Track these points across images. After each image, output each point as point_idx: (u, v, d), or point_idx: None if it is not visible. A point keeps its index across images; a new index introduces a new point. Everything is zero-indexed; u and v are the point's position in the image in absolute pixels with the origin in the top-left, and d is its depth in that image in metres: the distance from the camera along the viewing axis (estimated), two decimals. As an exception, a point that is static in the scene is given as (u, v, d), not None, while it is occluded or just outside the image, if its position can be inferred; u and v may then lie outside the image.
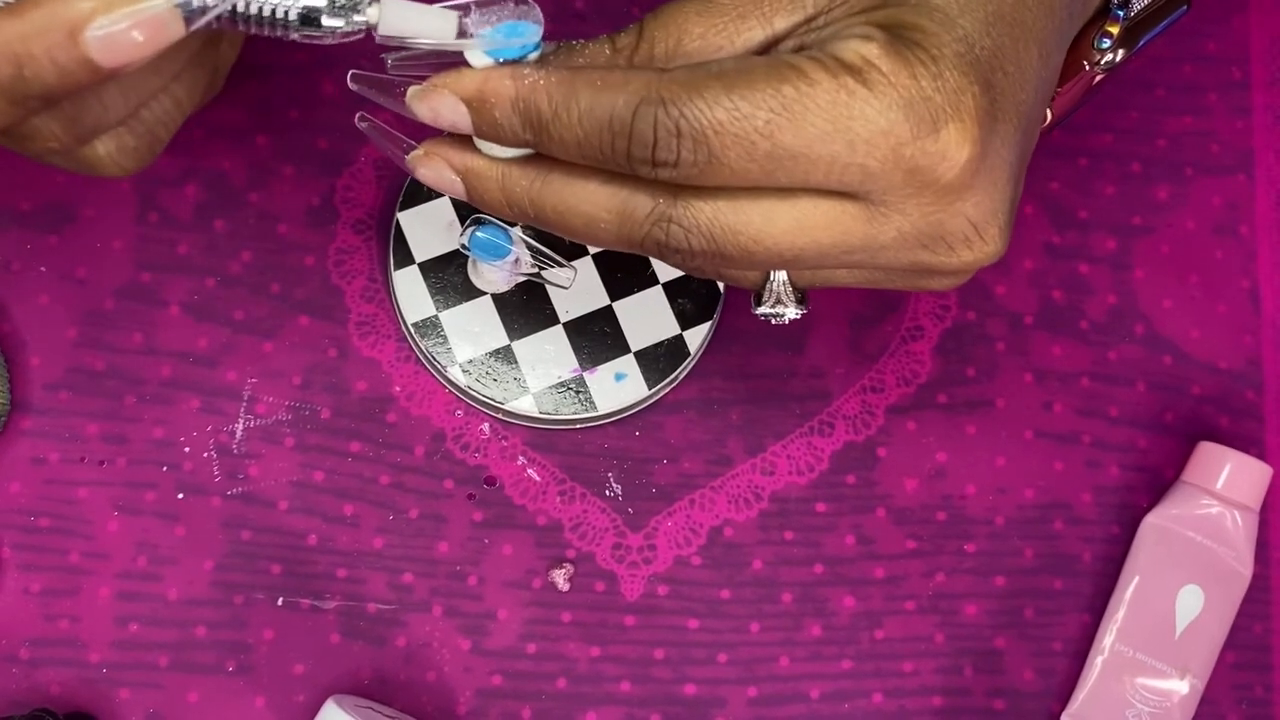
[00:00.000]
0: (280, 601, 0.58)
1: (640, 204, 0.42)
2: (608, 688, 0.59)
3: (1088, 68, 0.50)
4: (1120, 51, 0.50)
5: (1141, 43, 0.50)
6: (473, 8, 0.40)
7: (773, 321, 0.47)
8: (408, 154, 0.44)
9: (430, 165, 0.44)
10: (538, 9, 0.41)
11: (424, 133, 0.44)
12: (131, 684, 0.57)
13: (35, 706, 0.56)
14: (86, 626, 0.57)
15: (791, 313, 0.46)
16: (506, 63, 0.41)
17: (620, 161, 0.40)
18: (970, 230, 0.42)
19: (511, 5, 0.40)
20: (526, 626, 0.59)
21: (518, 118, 0.41)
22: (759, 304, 0.46)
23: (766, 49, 0.42)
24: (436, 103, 0.42)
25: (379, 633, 0.58)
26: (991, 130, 0.40)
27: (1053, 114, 0.51)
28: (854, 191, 0.40)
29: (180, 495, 0.58)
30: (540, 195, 0.43)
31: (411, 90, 0.42)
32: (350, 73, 0.43)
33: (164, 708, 0.57)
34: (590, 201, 0.42)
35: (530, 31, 0.40)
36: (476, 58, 0.41)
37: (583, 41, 0.43)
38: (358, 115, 0.43)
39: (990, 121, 0.40)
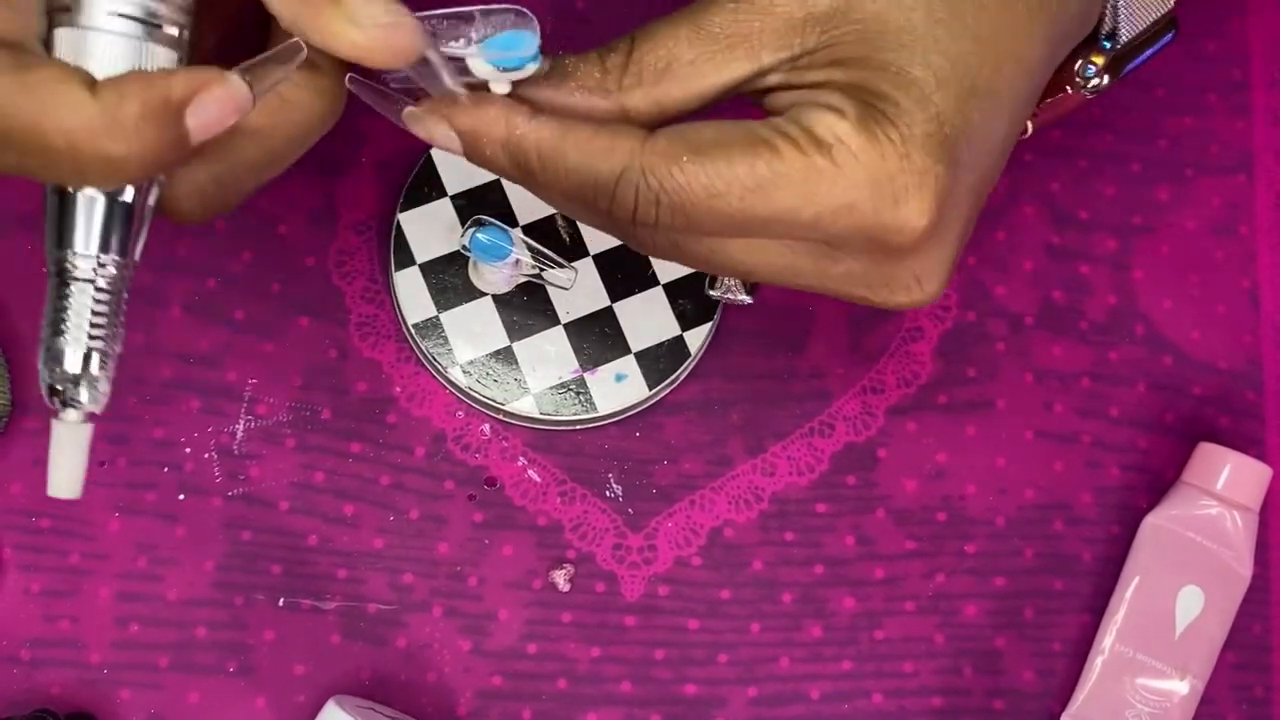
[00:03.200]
0: (281, 602, 0.58)
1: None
2: (608, 688, 0.59)
3: (1070, 91, 0.50)
4: (1106, 78, 0.50)
5: (1127, 70, 0.51)
6: (477, 16, 0.41)
7: (725, 302, 0.53)
8: (402, 111, 0.45)
9: (425, 123, 0.44)
10: (535, 20, 0.42)
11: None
12: (132, 684, 0.57)
13: (36, 707, 0.56)
14: (87, 627, 0.57)
15: (744, 298, 0.52)
16: (506, 70, 0.42)
17: (601, 213, 0.42)
18: (912, 280, 0.44)
19: (512, 16, 0.41)
20: (527, 627, 0.59)
21: (507, 159, 0.43)
22: (712, 287, 0.52)
23: (751, 81, 0.43)
24: (432, 128, 0.43)
25: (379, 633, 0.58)
26: (948, 202, 0.42)
27: (1033, 127, 0.52)
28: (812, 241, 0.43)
29: (181, 496, 0.58)
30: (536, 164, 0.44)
31: (408, 111, 0.43)
32: (348, 76, 0.43)
33: (164, 708, 0.57)
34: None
35: (527, 43, 0.42)
36: (478, 64, 0.42)
37: (575, 58, 0.44)
38: (348, 76, 0.44)
39: (948, 195, 0.42)
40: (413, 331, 0.59)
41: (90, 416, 0.41)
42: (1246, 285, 0.64)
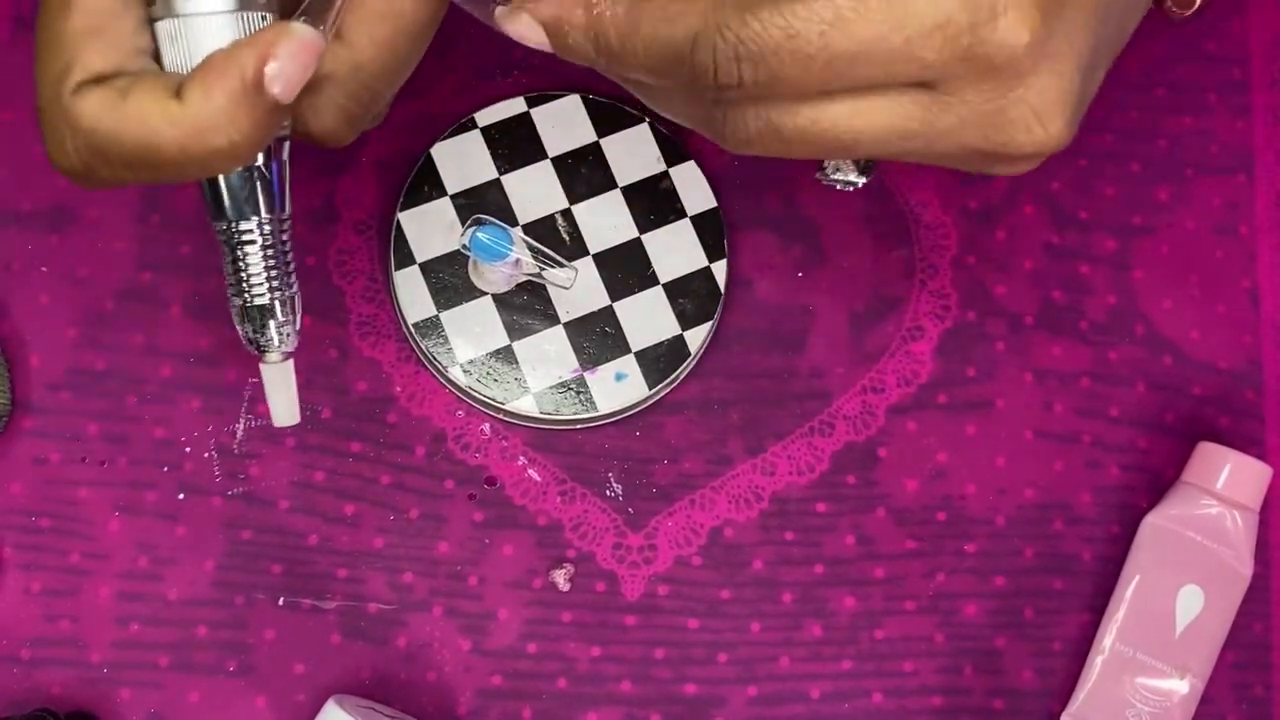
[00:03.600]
0: (281, 601, 0.58)
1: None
2: (608, 687, 0.59)
3: None
4: None
5: None
6: None
7: (838, 188, 0.48)
8: (494, 12, 0.45)
9: (513, 21, 0.44)
10: None
11: None
12: (132, 684, 0.57)
13: (36, 706, 0.56)
14: (87, 626, 0.57)
15: (856, 179, 0.47)
16: None
17: (686, 84, 0.41)
18: (1032, 118, 0.41)
19: None
20: (527, 626, 0.59)
21: (589, 44, 0.42)
22: (822, 170, 0.48)
23: None
24: (520, 25, 0.43)
25: (379, 633, 0.58)
26: (1056, 15, 0.39)
27: None
28: (913, 81, 0.40)
29: (181, 495, 0.58)
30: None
31: (499, 10, 0.43)
32: None
33: (165, 708, 0.57)
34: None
35: None
36: None
37: None
38: None
39: (1056, 7, 0.39)
40: (413, 331, 0.59)
41: (287, 355, 0.46)
42: (1246, 285, 0.64)
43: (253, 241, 0.44)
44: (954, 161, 0.43)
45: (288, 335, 0.45)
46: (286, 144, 0.44)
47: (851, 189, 0.47)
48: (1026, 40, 0.39)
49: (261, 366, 0.46)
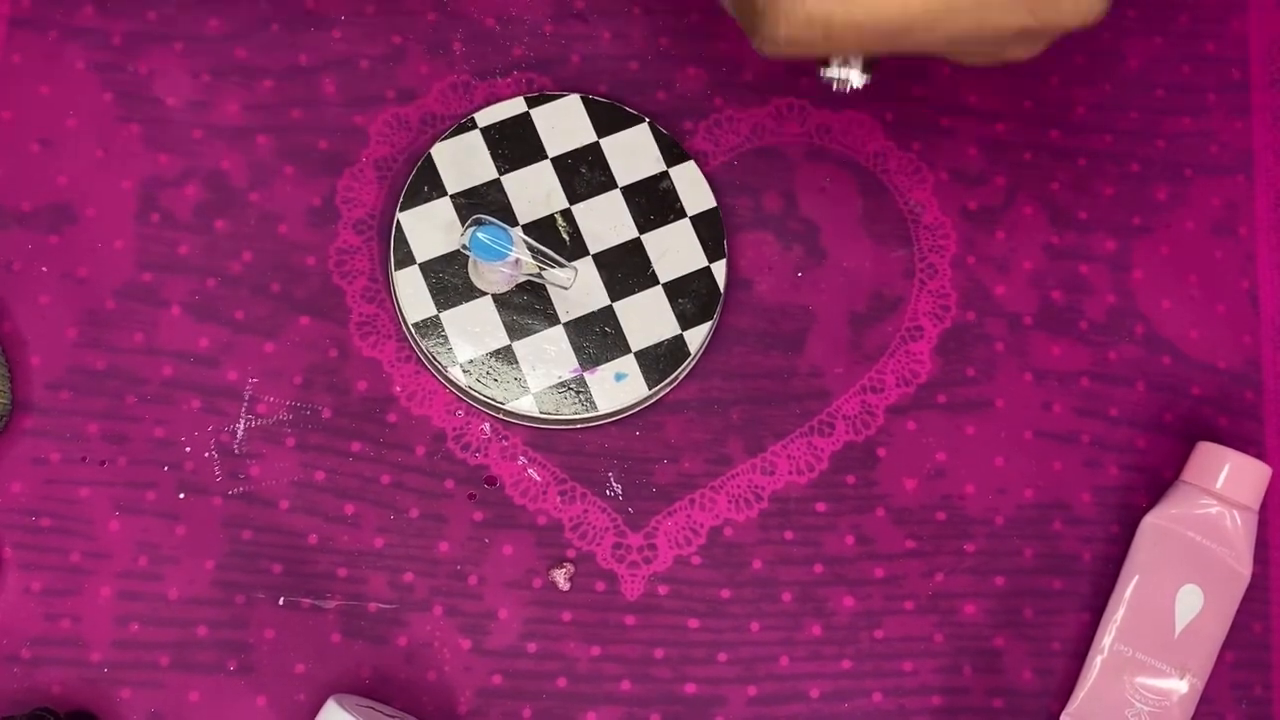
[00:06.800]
0: (281, 601, 0.58)
1: None
2: (608, 687, 0.59)
3: None
4: None
5: None
6: None
7: (835, 87, 0.48)
8: None
9: None
10: None
11: None
12: (133, 683, 0.57)
13: (36, 706, 0.56)
14: (88, 626, 0.57)
15: (857, 79, 0.48)
16: None
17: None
18: None
19: None
20: (527, 626, 0.59)
21: None
22: (827, 67, 0.48)
23: None
24: None
25: (380, 632, 0.58)
26: None
27: None
28: None
29: (181, 495, 0.59)
30: None
31: None
32: None
33: (165, 707, 0.57)
34: None
35: None
36: None
37: None
38: None
39: None
40: (413, 331, 0.59)
41: None
42: (1246, 285, 0.64)
43: None
44: (992, 47, 0.45)
45: None
46: None
47: (848, 90, 0.47)
48: None
49: None
